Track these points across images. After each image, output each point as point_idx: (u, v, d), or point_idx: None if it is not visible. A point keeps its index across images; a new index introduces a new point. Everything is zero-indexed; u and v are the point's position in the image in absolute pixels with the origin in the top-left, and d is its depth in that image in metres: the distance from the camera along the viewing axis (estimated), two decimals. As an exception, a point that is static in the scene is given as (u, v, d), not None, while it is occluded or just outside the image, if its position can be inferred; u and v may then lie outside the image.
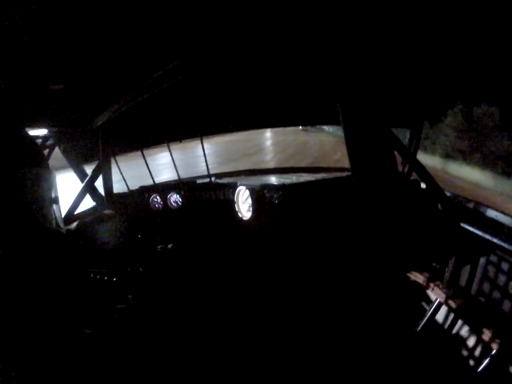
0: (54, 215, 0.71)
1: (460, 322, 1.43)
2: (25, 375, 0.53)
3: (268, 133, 19.19)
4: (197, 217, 2.75)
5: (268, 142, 17.01)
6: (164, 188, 2.82)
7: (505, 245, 1.38)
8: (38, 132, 1.95)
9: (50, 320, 0.60)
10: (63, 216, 2.15)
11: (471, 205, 1.79)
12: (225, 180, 2.88)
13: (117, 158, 2.67)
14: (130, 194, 2.76)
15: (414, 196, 2.15)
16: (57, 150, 2.17)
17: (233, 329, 2.11)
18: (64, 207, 2.35)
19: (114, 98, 1.56)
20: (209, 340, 1.98)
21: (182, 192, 2.76)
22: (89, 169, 2.50)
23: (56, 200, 0.72)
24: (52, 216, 0.70)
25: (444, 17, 0.96)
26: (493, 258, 1.51)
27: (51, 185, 0.71)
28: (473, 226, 1.58)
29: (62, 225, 0.75)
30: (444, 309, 1.57)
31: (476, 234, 1.55)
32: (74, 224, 1.23)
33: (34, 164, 0.67)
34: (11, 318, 0.54)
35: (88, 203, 2.52)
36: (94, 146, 2.34)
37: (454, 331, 1.48)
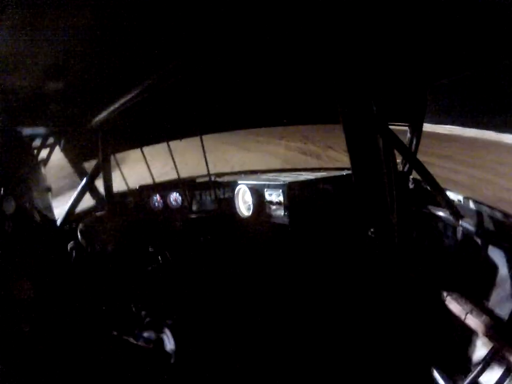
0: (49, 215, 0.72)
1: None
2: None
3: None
4: (197, 216, 2.75)
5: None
6: (164, 187, 2.82)
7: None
8: (38, 132, 1.95)
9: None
10: (63, 215, 2.14)
11: (471, 205, 1.78)
12: (225, 179, 2.88)
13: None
14: (130, 193, 2.76)
15: (414, 194, 2.16)
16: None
17: (233, 329, 2.12)
18: (63, 205, 2.34)
19: (114, 98, 1.57)
20: (209, 339, 1.99)
21: (182, 191, 2.77)
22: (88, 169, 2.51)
23: (48, 200, 0.73)
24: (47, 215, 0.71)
25: (443, 12, 0.96)
26: (494, 257, 1.51)
27: (44, 184, 0.72)
28: (473, 226, 1.58)
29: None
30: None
31: (475, 234, 1.56)
32: (80, 225, 1.23)
33: (26, 163, 0.68)
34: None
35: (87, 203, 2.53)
36: (94, 146, 2.34)
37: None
